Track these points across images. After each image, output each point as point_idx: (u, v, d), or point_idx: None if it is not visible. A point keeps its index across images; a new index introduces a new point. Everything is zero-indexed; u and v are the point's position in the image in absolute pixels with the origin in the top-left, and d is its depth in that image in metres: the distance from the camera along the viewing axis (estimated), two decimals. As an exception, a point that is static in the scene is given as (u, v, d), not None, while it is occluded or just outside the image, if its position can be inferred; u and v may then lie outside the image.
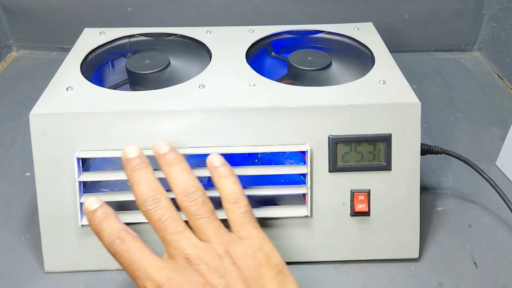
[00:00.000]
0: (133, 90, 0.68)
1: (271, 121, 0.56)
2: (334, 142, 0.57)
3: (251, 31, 0.75)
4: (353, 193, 0.57)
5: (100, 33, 0.75)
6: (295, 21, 0.79)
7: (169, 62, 0.68)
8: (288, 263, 0.58)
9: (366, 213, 0.57)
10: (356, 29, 0.75)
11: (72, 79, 0.62)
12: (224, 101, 0.57)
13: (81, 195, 0.56)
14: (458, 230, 0.64)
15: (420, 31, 1.03)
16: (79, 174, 0.56)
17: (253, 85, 0.61)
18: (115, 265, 0.57)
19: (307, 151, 0.56)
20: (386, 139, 0.57)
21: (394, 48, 0.91)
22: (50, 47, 1.07)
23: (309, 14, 1.00)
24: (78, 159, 0.55)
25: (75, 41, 0.72)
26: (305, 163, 0.57)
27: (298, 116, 0.56)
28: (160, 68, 0.66)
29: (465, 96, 0.92)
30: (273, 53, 0.76)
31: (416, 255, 0.59)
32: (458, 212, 0.67)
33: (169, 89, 0.60)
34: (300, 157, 0.61)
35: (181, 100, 0.57)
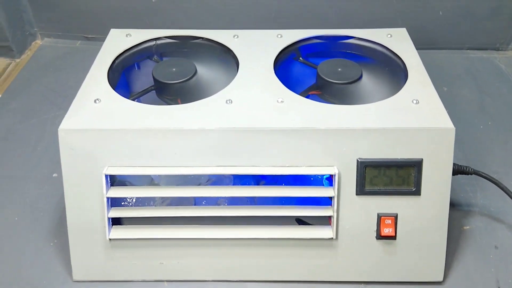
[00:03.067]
0: (159, 97, 0.67)
1: (299, 142, 0.56)
2: (363, 166, 0.56)
3: (279, 36, 0.73)
4: (380, 217, 0.57)
5: (127, 35, 0.73)
6: (324, 15, 0.75)
7: (196, 71, 0.67)
8: (311, 282, 0.59)
9: (393, 237, 0.57)
10: (389, 36, 0.73)
11: (99, 89, 0.62)
12: (252, 120, 0.56)
13: (109, 209, 0.57)
14: (484, 251, 0.63)
15: (454, 28, 0.99)
16: (107, 190, 0.56)
17: (281, 101, 0.59)
18: (141, 276, 0.59)
19: (335, 175, 0.55)
20: (417, 164, 0.55)
21: (426, 45, 0.88)
22: (74, 36, 1.06)
23: (340, 8, 0.97)
24: (106, 175, 0.56)
25: (99, 31, 0.71)
26: (331, 185, 0.56)
27: (327, 137, 0.55)
28: (187, 78, 0.65)
29: (497, 101, 0.89)
30: (301, 58, 0.74)
31: (441, 278, 0.59)
32: (485, 231, 0.66)
33: (196, 104, 0.59)
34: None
35: (209, 117, 0.57)
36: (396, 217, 0.57)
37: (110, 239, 0.57)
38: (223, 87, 0.63)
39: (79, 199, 0.57)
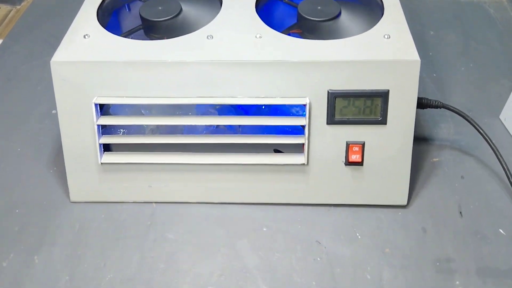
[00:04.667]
0: (147, 35, 0.71)
1: (274, 75, 0.60)
2: (333, 97, 0.60)
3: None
4: (348, 145, 0.61)
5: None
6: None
7: (181, 9, 0.70)
8: (284, 204, 0.64)
9: (360, 163, 0.62)
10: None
11: (88, 26, 0.66)
12: (230, 53, 0.60)
13: (100, 136, 0.62)
14: (450, 180, 0.68)
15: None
16: (97, 118, 0.61)
17: (260, 37, 0.63)
18: (132, 198, 0.65)
19: (306, 105, 0.59)
20: (383, 95, 0.59)
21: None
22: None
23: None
24: (95, 104, 0.61)
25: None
26: (304, 115, 0.61)
27: (300, 70, 0.59)
28: (172, 16, 0.69)
29: (482, 46, 0.91)
30: (283, -2, 0.76)
31: (405, 202, 0.64)
32: (453, 163, 0.70)
33: (179, 39, 0.63)
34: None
35: (190, 51, 0.61)
36: (363, 145, 0.61)
37: (102, 163, 0.63)
38: (206, 25, 0.66)
39: (72, 127, 0.62)
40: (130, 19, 0.77)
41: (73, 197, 0.66)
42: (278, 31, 0.66)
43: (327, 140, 0.61)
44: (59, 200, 0.66)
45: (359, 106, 0.60)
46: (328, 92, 0.60)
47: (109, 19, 0.74)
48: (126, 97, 0.61)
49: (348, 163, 0.62)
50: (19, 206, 0.66)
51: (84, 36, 0.64)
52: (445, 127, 0.75)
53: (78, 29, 0.65)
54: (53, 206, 0.66)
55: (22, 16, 1.02)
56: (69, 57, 0.61)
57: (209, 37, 0.63)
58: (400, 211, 0.64)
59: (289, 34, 0.69)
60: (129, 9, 0.79)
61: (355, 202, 0.64)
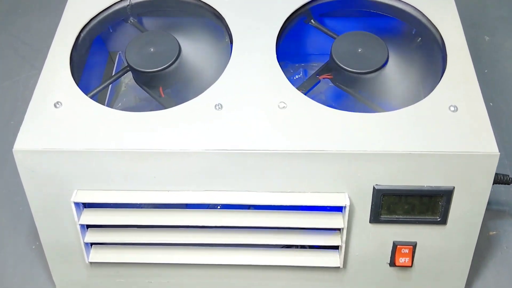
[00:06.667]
0: (136, 82, 0.56)
1: (303, 166, 0.46)
2: (380, 194, 0.46)
3: (285, -6, 0.58)
4: (396, 246, 0.49)
5: (92, -7, 0.59)
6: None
7: (179, 51, 0.54)
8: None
9: (409, 267, 0.50)
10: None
11: (60, 85, 0.50)
12: (245, 138, 0.46)
13: (84, 234, 0.50)
14: (510, 265, 0.56)
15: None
16: (79, 217, 0.48)
17: (283, 106, 0.48)
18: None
19: (345, 206, 0.46)
20: (446, 194, 0.46)
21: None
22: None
23: None
24: (76, 203, 0.47)
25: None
26: (341, 210, 0.48)
27: (338, 161, 0.45)
28: (169, 64, 0.53)
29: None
30: (312, 21, 0.60)
31: (458, 304, 0.53)
32: (514, 238, 0.58)
33: (179, 110, 0.48)
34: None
35: (194, 133, 0.46)
36: (414, 246, 0.49)
37: (90, 263, 0.51)
38: (212, 73, 0.52)
39: (50, 223, 0.50)
40: (114, 41, 0.62)
41: (59, 291, 0.55)
42: (307, 60, 0.55)
43: (369, 240, 0.49)
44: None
45: (412, 203, 0.47)
46: (374, 188, 0.46)
47: (87, 55, 0.58)
48: (113, 190, 0.48)
49: (394, 265, 0.50)
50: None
51: (55, 105, 0.49)
52: (504, 186, 0.62)
53: (47, 91, 0.50)
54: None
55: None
56: (36, 144, 0.46)
57: (217, 107, 0.48)
58: (452, 312, 0.53)
59: (318, 82, 0.55)
60: (113, 30, 0.63)
61: (400, 306, 0.53)
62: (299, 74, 0.66)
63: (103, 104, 0.60)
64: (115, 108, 0.63)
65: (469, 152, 0.44)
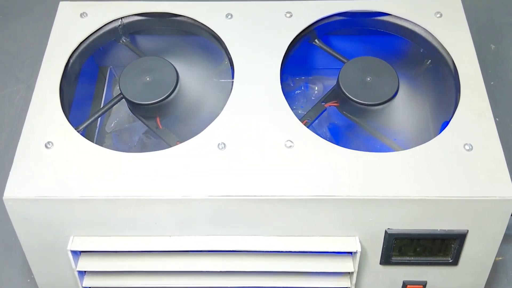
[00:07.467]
0: (132, 112, 0.53)
1: (312, 211, 0.44)
2: (392, 238, 0.44)
3: (288, 14, 0.54)
4: (405, 285, 0.48)
5: (81, 14, 0.54)
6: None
7: (177, 80, 0.50)
8: None
9: (418, 305, 0.49)
10: (438, 15, 0.53)
11: (51, 122, 0.47)
12: (251, 182, 0.43)
13: (83, 280, 0.48)
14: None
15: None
16: (76, 264, 0.46)
17: (290, 146, 0.45)
18: None
19: (356, 252, 0.44)
20: (460, 237, 0.44)
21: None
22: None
23: None
24: (72, 252, 0.45)
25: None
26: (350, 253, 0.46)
27: (348, 206, 0.43)
28: (166, 96, 0.50)
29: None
30: (317, 40, 0.56)
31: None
32: (523, 264, 0.57)
33: (179, 151, 0.45)
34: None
35: (196, 180, 0.43)
36: (424, 285, 0.48)
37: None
38: (213, 102, 0.50)
39: (46, 269, 0.48)
40: (105, 55, 0.60)
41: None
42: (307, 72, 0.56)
43: (379, 280, 0.48)
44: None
45: (424, 246, 0.45)
46: (385, 232, 0.44)
47: (77, 80, 0.54)
48: (112, 236, 0.45)
49: (403, 303, 0.49)
50: None
51: (46, 145, 0.46)
52: (512, 207, 0.61)
53: (37, 130, 0.47)
54: None
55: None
56: (28, 191, 0.43)
57: (220, 146, 0.45)
58: None
59: (324, 110, 0.52)
60: (105, 51, 0.59)
61: None
62: (300, 89, 0.63)
63: (96, 125, 0.57)
64: (108, 129, 0.60)
65: (484, 197, 0.42)
